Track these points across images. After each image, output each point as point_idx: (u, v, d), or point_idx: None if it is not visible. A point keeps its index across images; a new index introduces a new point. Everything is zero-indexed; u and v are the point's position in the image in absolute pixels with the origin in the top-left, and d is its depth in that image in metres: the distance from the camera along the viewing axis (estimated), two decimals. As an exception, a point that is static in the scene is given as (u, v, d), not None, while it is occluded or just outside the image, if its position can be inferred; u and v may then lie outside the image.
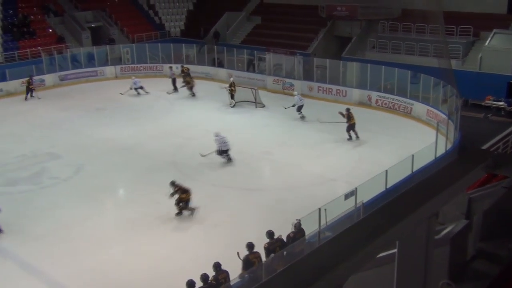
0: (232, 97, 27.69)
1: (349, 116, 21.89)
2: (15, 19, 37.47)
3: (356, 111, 26.66)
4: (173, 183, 15.86)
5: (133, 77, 31.42)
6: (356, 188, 13.95)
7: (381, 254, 4.55)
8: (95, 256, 13.99)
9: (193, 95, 30.14)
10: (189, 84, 30.21)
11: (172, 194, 15.73)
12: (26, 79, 30.26)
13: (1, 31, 36.04)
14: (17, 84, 31.14)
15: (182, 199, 15.73)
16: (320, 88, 29.46)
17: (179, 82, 30.69)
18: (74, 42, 38.11)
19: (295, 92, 26.65)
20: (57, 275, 13.15)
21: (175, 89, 30.66)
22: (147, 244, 14.58)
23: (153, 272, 13.19)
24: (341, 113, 22.05)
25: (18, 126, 25.46)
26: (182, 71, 31.19)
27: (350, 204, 13.79)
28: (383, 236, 4.05)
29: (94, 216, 16.32)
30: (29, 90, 29.92)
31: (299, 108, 25.24)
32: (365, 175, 16.73)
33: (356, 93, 27.99)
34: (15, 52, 34.72)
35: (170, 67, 32.50)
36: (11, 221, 15.97)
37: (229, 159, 20.08)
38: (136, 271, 13.30)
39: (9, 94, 30.74)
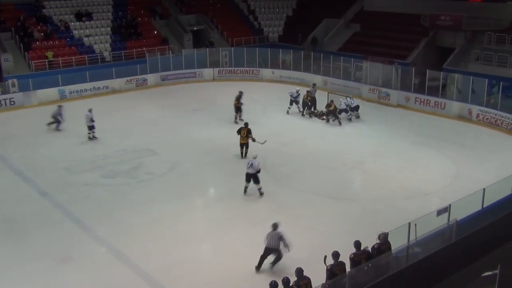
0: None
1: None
2: (124, 20, 39.60)
3: (454, 124, 25.73)
4: None
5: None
6: (450, 205, 13.40)
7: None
8: (183, 252, 14.43)
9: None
10: None
11: None
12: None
13: (111, 31, 38.27)
14: (122, 82, 32.86)
15: None
16: (417, 99, 28.62)
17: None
18: (176, 44, 39.65)
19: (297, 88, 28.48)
20: (147, 267, 13.67)
21: (310, 108, 27.69)
22: (235, 243, 14.85)
23: (237, 271, 13.40)
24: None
25: (122, 122, 26.84)
26: None
27: (442, 221, 13.25)
28: (483, 259, 3.91)
29: (185, 213, 16.87)
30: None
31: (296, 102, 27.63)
32: (461, 192, 16.02)
33: (456, 106, 26.90)
34: (122, 52, 36.63)
35: (314, 84, 29.70)
36: (107, 211, 16.94)
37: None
38: (221, 269, 13.58)
39: (114, 91, 32.47)
